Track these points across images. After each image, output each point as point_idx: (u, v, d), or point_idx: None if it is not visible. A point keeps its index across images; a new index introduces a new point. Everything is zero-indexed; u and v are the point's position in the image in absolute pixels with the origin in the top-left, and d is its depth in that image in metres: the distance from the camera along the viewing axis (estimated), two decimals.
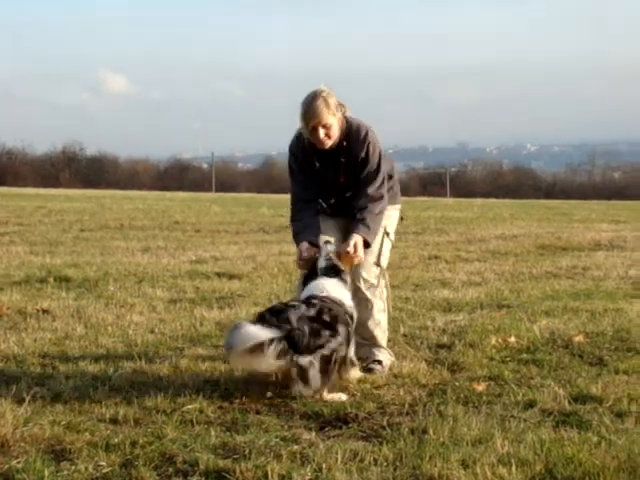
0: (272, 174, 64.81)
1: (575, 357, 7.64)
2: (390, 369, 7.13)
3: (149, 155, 72.70)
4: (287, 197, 7.62)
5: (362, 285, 7.26)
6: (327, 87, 7.03)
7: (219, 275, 12.45)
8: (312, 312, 6.30)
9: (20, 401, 5.90)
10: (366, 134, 7.10)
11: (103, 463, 4.90)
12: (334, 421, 5.75)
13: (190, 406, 5.94)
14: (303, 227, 7.17)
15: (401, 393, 6.43)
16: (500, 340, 8.11)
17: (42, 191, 41.86)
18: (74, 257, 14.17)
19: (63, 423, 5.55)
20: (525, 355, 7.61)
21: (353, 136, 7.08)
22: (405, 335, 8.48)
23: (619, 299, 10.84)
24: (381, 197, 7.17)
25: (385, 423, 5.69)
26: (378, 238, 7.27)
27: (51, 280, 11.47)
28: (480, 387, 6.53)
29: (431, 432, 5.44)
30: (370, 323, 7.31)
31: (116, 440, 5.25)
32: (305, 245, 7.02)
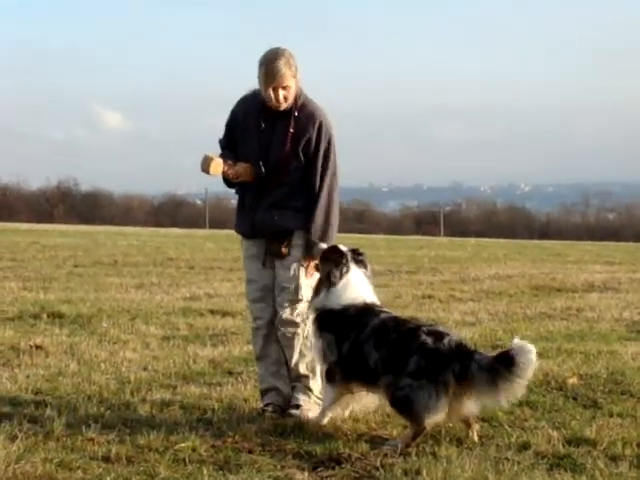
0: None
1: (569, 399, 7.62)
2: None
3: (143, 191, 72.69)
4: None
5: (283, 328, 6.95)
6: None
7: (212, 312, 12.43)
8: None
9: (12, 438, 5.89)
10: (321, 122, 6.84)
11: None
12: (327, 461, 5.73)
13: (183, 444, 5.92)
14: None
15: (394, 433, 6.41)
16: None
17: (36, 226, 41.83)
18: (68, 293, 14.14)
19: (55, 461, 5.53)
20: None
21: (306, 114, 6.82)
22: None
23: (613, 341, 10.82)
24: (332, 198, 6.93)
25: (378, 464, 5.67)
26: (293, 272, 6.93)
27: (44, 316, 11.45)
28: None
29: (424, 473, 5.43)
30: (299, 360, 7.01)
31: (108, 478, 5.24)
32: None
